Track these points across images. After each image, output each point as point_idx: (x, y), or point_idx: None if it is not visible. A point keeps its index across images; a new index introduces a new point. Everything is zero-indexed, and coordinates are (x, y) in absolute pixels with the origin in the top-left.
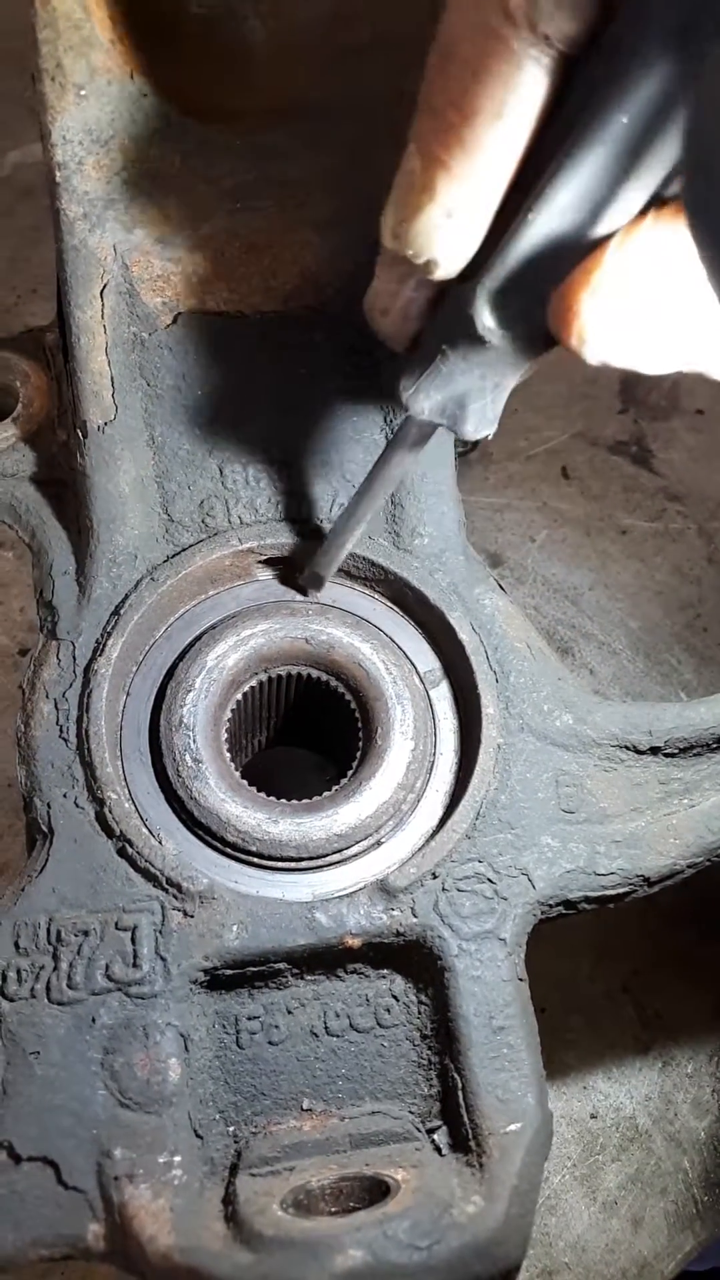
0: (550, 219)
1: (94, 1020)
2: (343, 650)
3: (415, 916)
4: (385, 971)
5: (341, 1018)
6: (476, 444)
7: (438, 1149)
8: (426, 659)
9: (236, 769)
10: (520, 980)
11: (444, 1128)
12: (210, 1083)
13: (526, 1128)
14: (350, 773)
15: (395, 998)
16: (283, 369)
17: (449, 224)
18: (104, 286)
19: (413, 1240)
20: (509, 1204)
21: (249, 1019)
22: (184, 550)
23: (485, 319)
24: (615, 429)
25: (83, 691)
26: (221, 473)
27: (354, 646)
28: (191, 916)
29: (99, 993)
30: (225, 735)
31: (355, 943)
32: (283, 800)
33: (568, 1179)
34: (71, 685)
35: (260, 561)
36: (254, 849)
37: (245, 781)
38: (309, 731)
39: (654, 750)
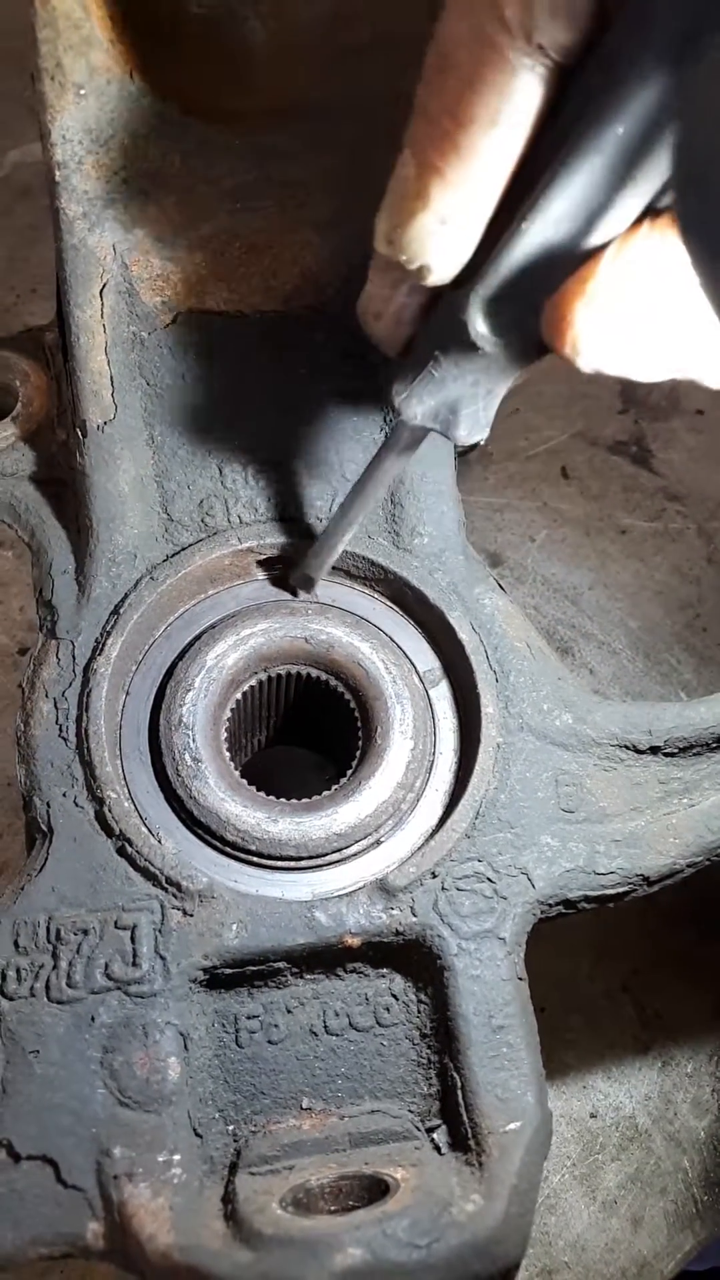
0: (545, 227)
1: (93, 1019)
2: (342, 649)
3: (415, 916)
4: (385, 970)
5: (341, 1017)
6: (475, 445)
7: (437, 1148)
8: (426, 658)
9: (236, 768)
10: (520, 979)
11: (443, 1126)
12: (210, 1081)
13: (526, 1127)
14: (350, 772)
15: (395, 997)
16: (282, 369)
17: (443, 230)
18: (103, 286)
19: (412, 1239)
20: (508, 1203)
21: (248, 1018)
22: (183, 549)
23: (478, 326)
24: (615, 429)
25: (82, 691)
26: (221, 472)
27: (353, 646)
28: (191, 915)
29: (98, 991)
30: (225, 734)
31: (355, 942)
32: (282, 799)
33: (567, 1178)
34: (71, 684)
35: (260, 561)
36: (253, 848)
37: (245, 781)
38: (308, 731)
39: (654, 750)
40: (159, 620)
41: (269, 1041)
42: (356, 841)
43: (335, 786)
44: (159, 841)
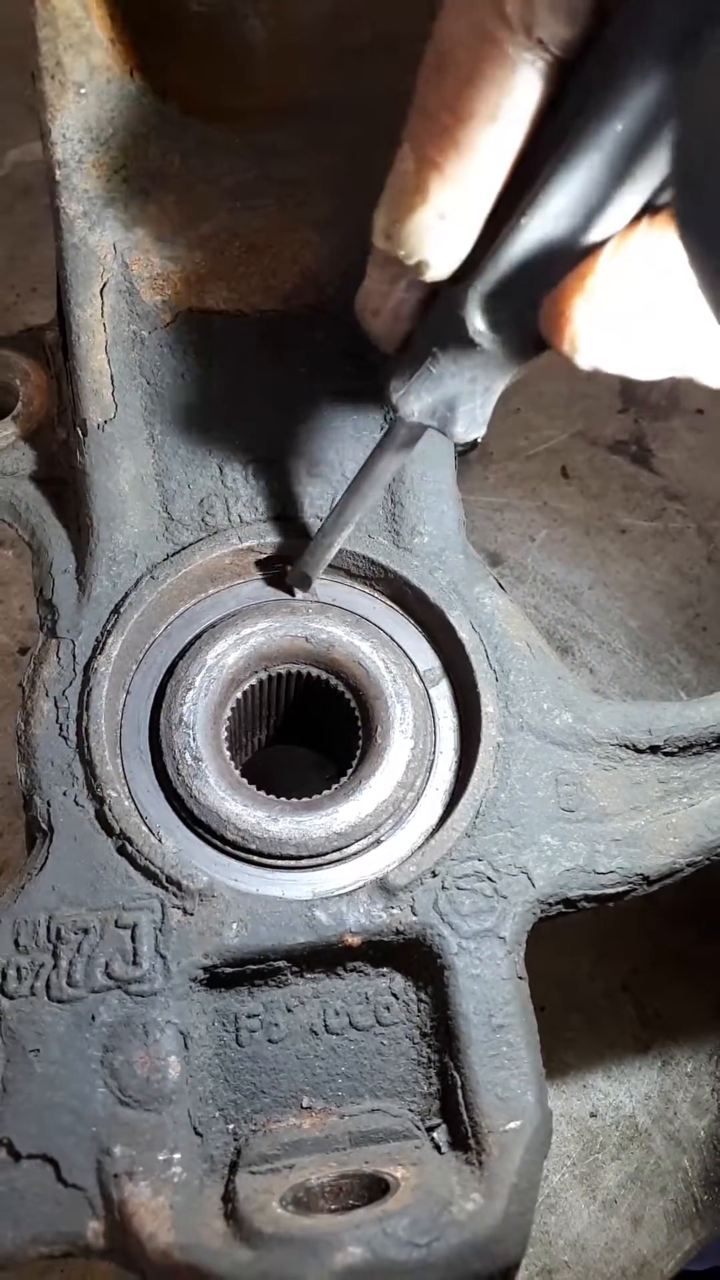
0: (543, 223)
1: (94, 1018)
2: (342, 649)
3: (415, 915)
4: (385, 969)
5: (341, 1016)
6: (475, 443)
7: (437, 1147)
8: (426, 657)
9: (236, 767)
10: (520, 978)
11: (443, 1125)
12: (210, 1080)
13: (526, 1126)
14: (350, 771)
15: (395, 996)
16: (282, 368)
17: (441, 226)
18: (104, 285)
19: (412, 1237)
20: (508, 1202)
21: (249, 1017)
22: (184, 548)
23: (476, 322)
24: (615, 428)
25: (82, 690)
26: (221, 471)
27: (354, 645)
28: (191, 914)
29: (99, 990)
30: (225, 733)
31: (355, 941)
32: (282, 798)
33: (567, 1177)
34: (71, 683)
35: (260, 560)
36: (254, 847)
37: (245, 780)
38: (309, 730)
39: (653, 749)
40: (159, 619)
41: (269, 1040)
42: (357, 840)
43: (335, 786)
44: (159, 840)
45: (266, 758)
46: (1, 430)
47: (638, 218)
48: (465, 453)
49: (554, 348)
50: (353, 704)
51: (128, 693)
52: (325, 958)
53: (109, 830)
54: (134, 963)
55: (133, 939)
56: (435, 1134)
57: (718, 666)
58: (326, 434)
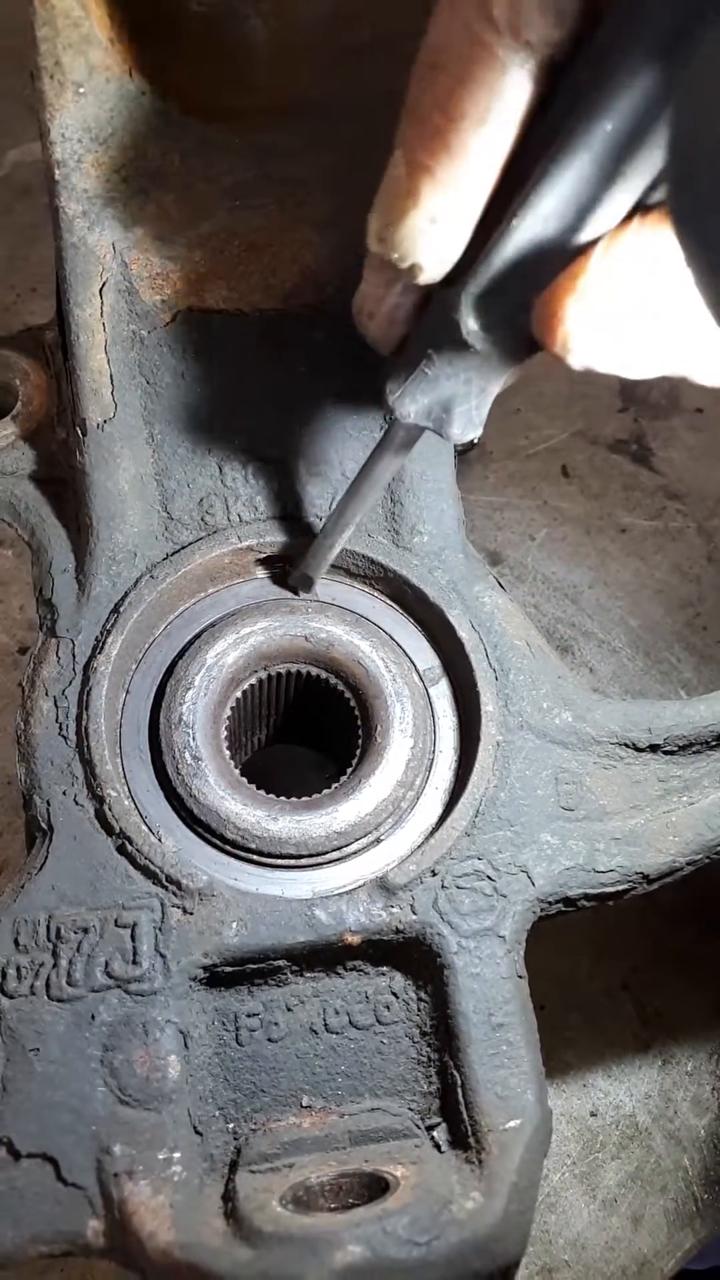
0: (535, 225)
1: (93, 1017)
2: (342, 648)
3: (415, 914)
4: (385, 969)
5: (341, 1015)
6: (474, 443)
7: (437, 1146)
8: (426, 657)
9: (236, 767)
10: (519, 977)
11: (443, 1124)
12: (210, 1080)
13: (526, 1125)
14: (350, 770)
15: (395, 995)
16: (282, 367)
17: (433, 229)
18: (103, 284)
19: (412, 1236)
20: (508, 1201)
21: (248, 1016)
22: (183, 548)
23: (469, 324)
24: (615, 427)
25: (82, 689)
26: (221, 470)
27: (353, 644)
28: (191, 914)
29: (99, 990)
30: (225, 733)
31: (355, 940)
32: (282, 798)
33: (567, 1176)
34: (71, 683)
35: (259, 559)
36: (253, 846)
37: (245, 779)
38: (308, 729)
39: (653, 748)
40: (159, 618)
41: (269, 1039)
42: (356, 840)
43: (335, 785)
44: (159, 840)
45: (266, 757)
46: (1, 430)
47: (629, 217)
48: (464, 452)
49: (546, 348)
50: (352, 703)
51: (127, 692)
52: (325, 957)
53: (109, 829)
54: (134, 962)
55: (132, 938)
56: (435, 1133)
57: (718, 665)
58: (326, 433)
